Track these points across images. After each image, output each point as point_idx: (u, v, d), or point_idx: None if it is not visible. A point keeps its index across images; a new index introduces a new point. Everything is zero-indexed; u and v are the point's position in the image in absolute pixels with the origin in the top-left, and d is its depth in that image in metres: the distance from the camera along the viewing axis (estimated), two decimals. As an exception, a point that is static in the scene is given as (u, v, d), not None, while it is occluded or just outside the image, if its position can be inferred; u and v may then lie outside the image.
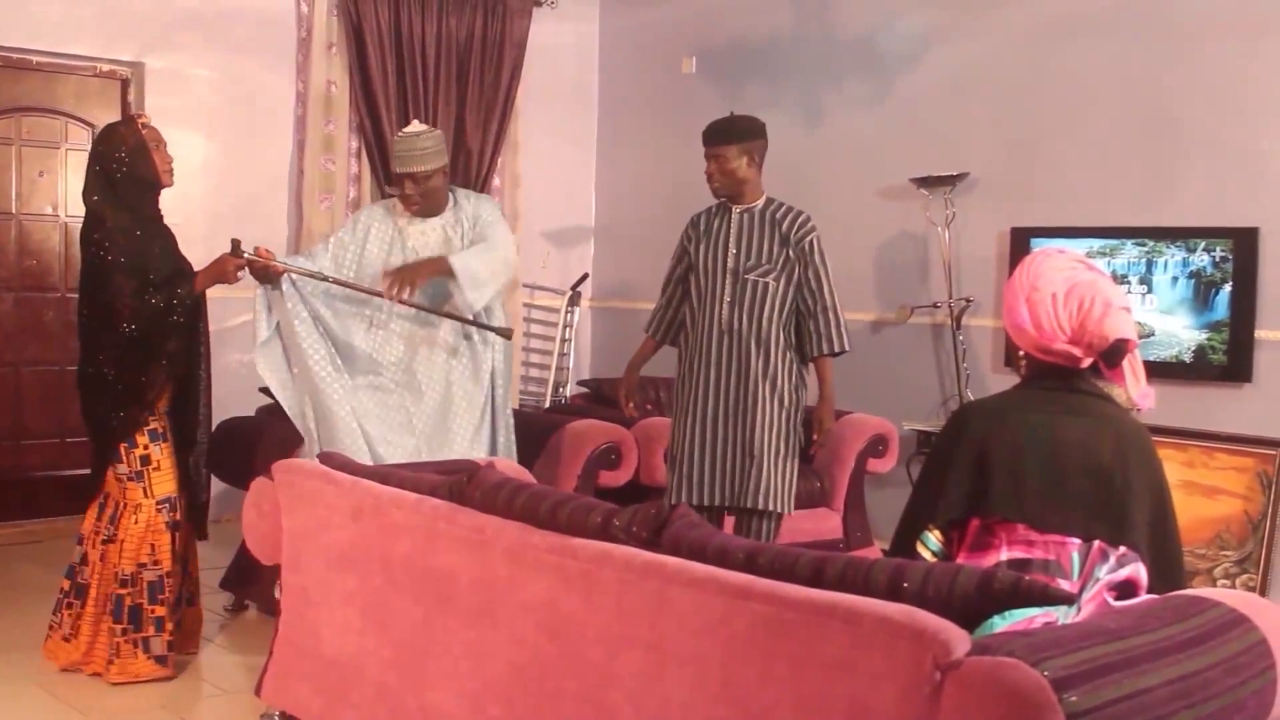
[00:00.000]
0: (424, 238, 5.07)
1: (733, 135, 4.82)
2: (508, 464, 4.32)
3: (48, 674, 4.62)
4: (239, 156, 7.08)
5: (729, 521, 4.93)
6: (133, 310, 4.54)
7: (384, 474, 3.81)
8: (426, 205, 5.04)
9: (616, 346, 8.30)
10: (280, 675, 4.01)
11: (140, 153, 4.66)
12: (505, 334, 5.12)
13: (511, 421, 5.25)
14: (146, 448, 4.64)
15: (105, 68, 6.83)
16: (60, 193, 6.84)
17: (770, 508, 4.78)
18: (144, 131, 4.70)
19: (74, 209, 6.87)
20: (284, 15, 7.14)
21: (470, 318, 4.97)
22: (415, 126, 5.04)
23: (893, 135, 6.89)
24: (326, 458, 4.03)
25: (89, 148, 6.77)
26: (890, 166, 6.80)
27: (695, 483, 4.89)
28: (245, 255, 4.78)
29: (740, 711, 2.56)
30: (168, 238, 4.81)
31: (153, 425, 4.66)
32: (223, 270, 4.79)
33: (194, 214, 6.98)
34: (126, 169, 4.63)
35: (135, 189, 4.66)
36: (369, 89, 7.22)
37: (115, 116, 6.86)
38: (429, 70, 7.41)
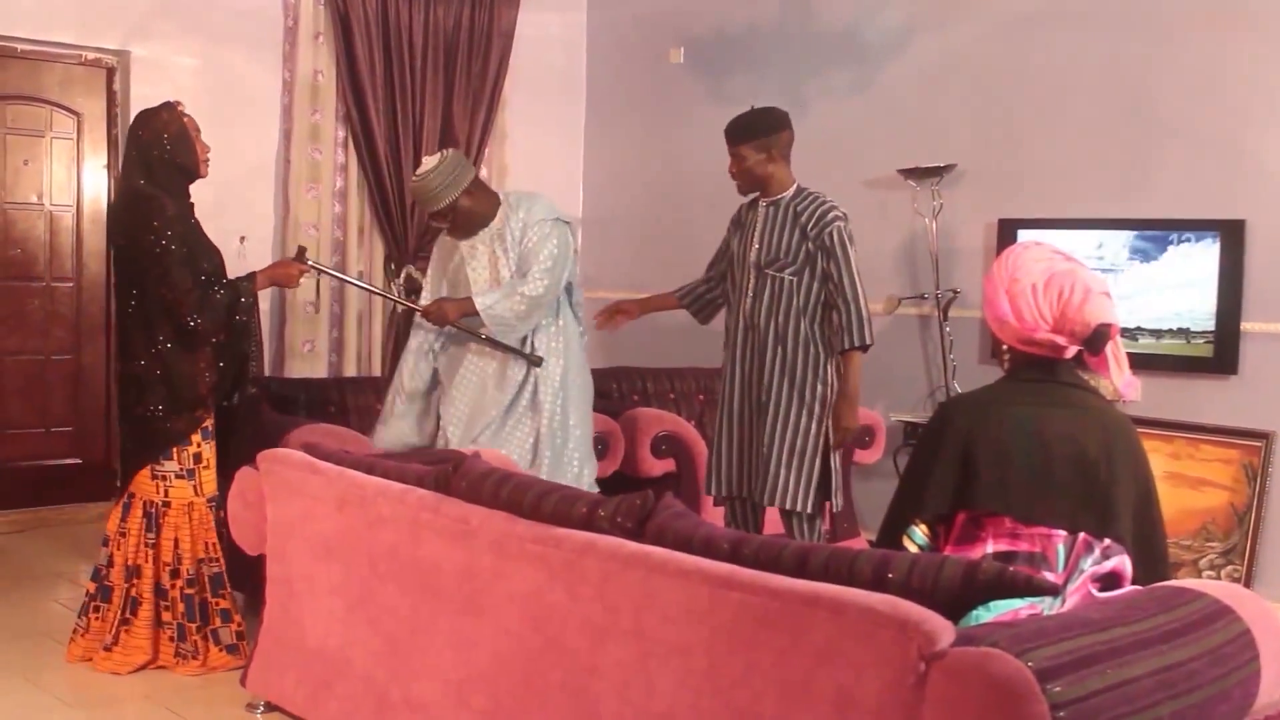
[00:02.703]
0: (474, 250, 5.10)
1: (747, 134, 4.77)
2: (493, 454, 4.30)
3: (33, 663, 4.59)
4: (225, 145, 6.95)
5: (772, 513, 4.89)
6: (198, 302, 4.48)
7: (369, 464, 3.80)
8: (465, 227, 5.04)
9: (603, 337, 8.28)
10: (265, 665, 4.01)
11: (183, 139, 4.61)
12: (534, 361, 5.07)
13: (569, 449, 5.12)
14: (199, 445, 4.59)
15: (90, 56, 6.79)
16: (45, 181, 6.81)
17: (784, 505, 4.73)
18: (184, 119, 4.66)
19: (59, 198, 6.84)
20: (270, 4, 7.10)
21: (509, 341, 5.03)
22: (425, 164, 4.97)
23: (880, 126, 6.88)
24: (311, 448, 4.02)
25: (68, 134, 6.83)
26: (877, 157, 6.79)
27: (722, 475, 4.90)
28: (309, 263, 4.91)
29: (725, 702, 2.56)
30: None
31: (205, 423, 4.61)
32: (287, 275, 4.88)
33: (179, 203, 6.96)
34: (168, 155, 4.57)
35: (175, 177, 4.60)
36: (356, 78, 7.19)
37: (100, 105, 6.85)
38: (416, 60, 7.39)
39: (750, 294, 4.81)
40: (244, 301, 4.62)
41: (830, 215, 4.73)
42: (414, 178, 5.01)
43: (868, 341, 4.71)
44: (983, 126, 6.48)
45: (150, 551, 4.55)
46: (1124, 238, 5.89)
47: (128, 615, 4.55)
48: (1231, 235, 5.60)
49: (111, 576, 4.61)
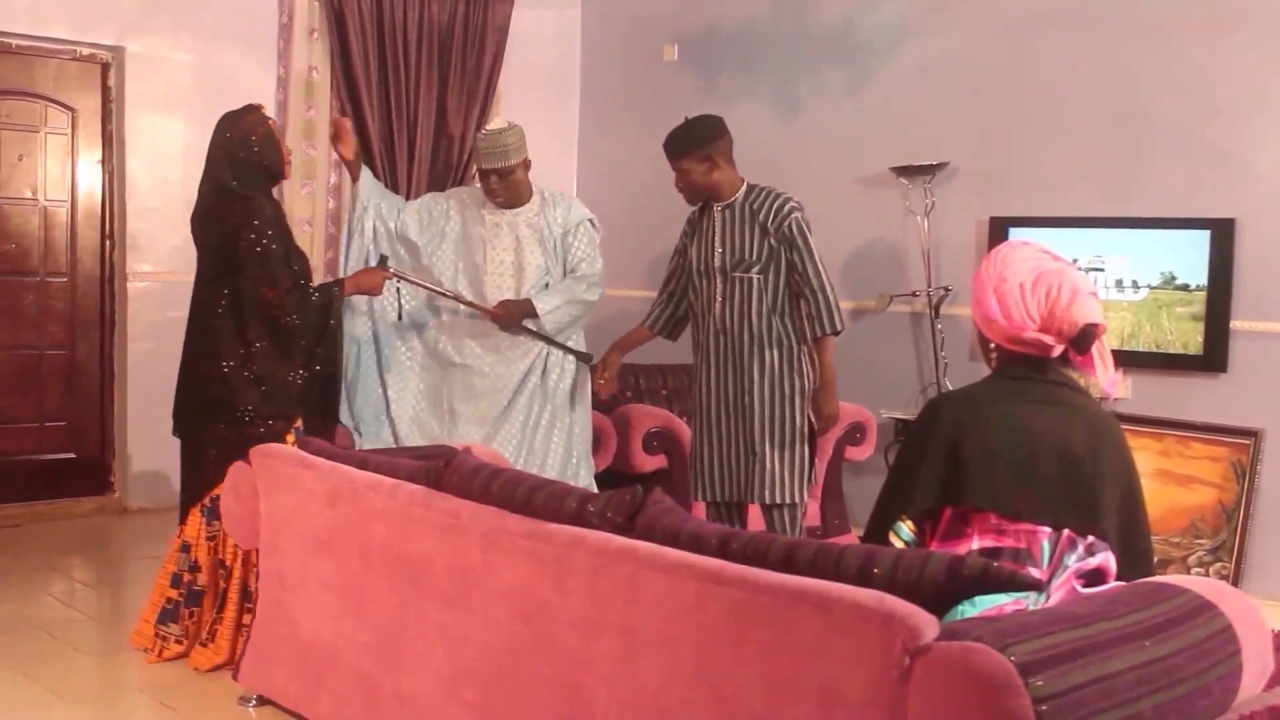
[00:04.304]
0: (497, 229, 5.29)
1: (686, 147, 4.81)
2: (485, 449, 4.33)
3: (27, 657, 4.60)
4: (219, 141, 7.05)
5: (755, 510, 4.93)
6: (297, 301, 4.52)
7: (361, 459, 3.82)
8: (509, 198, 5.26)
9: (598, 333, 8.29)
10: (257, 659, 4.03)
11: (270, 141, 4.62)
12: (585, 359, 5.35)
13: (559, 444, 5.34)
14: (292, 444, 4.60)
15: (85, 51, 6.80)
16: (39, 177, 6.81)
17: (778, 500, 4.78)
18: (269, 121, 4.68)
19: (53, 193, 6.85)
20: (265, 0, 7.11)
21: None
22: (499, 123, 5.23)
23: (872, 124, 6.91)
24: (304, 443, 4.04)
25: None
26: (869, 156, 6.82)
27: (708, 481, 4.93)
28: (392, 270, 5.06)
29: (712, 695, 2.58)
30: None
31: (297, 423, 4.64)
32: (373, 282, 4.96)
33: (174, 199, 6.95)
34: (255, 157, 4.58)
35: (261, 178, 4.62)
36: (350, 74, 7.20)
37: (95, 101, 6.86)
38: (411, 56, 7.40)
39: (719, 298, 4.83)
40: (335, 307, 4.68)
41: (787, 207, 4.77)
42: (486, 131, 5.19)
43: (838, 327, 4.77)
44: (974, 125, 6.50)
45: (239, 551, 4.49)
46: (1114, 236, 5.92)
47: (220, 613, 4.50)
48: (1222, 234, 5.62)
49: (200, 580, 4.52)
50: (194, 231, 4.69)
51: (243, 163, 4.57)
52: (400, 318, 5.23)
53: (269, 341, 4.52)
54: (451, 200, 5.42)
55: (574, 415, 5.38)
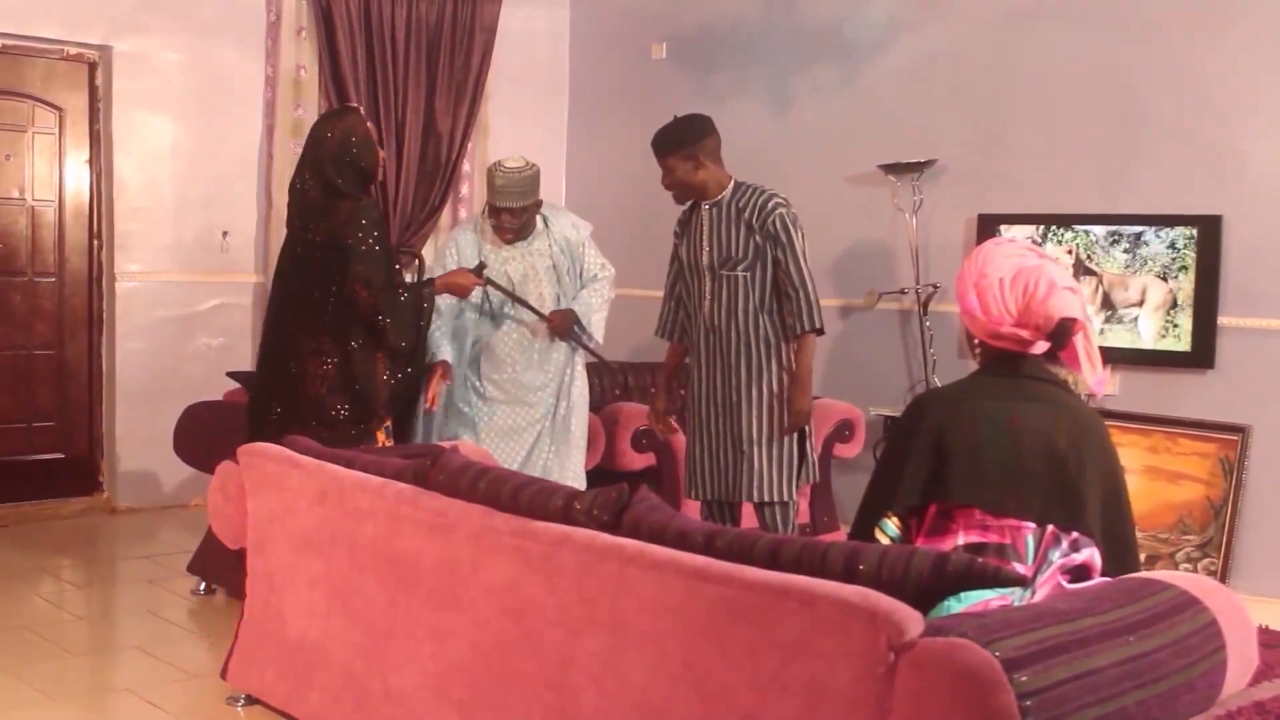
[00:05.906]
0: (511, 254, 5.36)
1: (672, 145, 4.82)
2: (472, 447, 4.33)
3: (15, 657, 4.59)
4: (208, 140, 7.05)
5: (750, 508, 4.95)
6: (389, 303, 4.55)
7: (348, 458, 3.82)
8: (518, 234, 5.33)
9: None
10: (246, 659, 4.03)
11: (368, 143, 4.65)
12: (600, 359, 5.54)
13: (566, 444, 5.48)
14: (384, 442, 4.65)
15: (73, 51, 6.79)
16: (27, 176, 6.79)
17: (768, 499, 4.78)
18: (367, 123, 4.71)
19: (40, 193, 6.83)
20: (253, -1, 7.12)
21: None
22: (517, 161, 5.24)
23: (861, 122, 6.91)
24: (291, 442, 4.04)
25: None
26: (858, 153, 6.82)
27: (701, 480, 4.93)
28: (487, 278, 5.17)
29: (698, 692, 2.59)
30: None
31: (387, 422, 4.69)
32: (462, 285, 5.03)
33: (163, 197, 6.96)
34: (353, 158, 4.60)
35: (358, 179, 4.64)
36: (338, 73, 7.20)
37: (83, 100, 6.85)
38: (399, 54, 7.40)
39: (708, 297, 4.84)
40: (426, 307, 4.72)
41: (771, 204, 4.77)
42: (504, 170, 5.18)
43: (818, 325, 4.76)
44: (963, 122, 6.51)
45: None
46: (1101, 232, 5.93)
47: None
48: (1209, 230, 5.63)
49: None
50: (296, 229, 4.70)
51: (343, 163, 4.60)
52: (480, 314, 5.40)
53: (366, 341, 4.57)
54: (463, 238, 5.45)
55: (578, 428, 5.52)
